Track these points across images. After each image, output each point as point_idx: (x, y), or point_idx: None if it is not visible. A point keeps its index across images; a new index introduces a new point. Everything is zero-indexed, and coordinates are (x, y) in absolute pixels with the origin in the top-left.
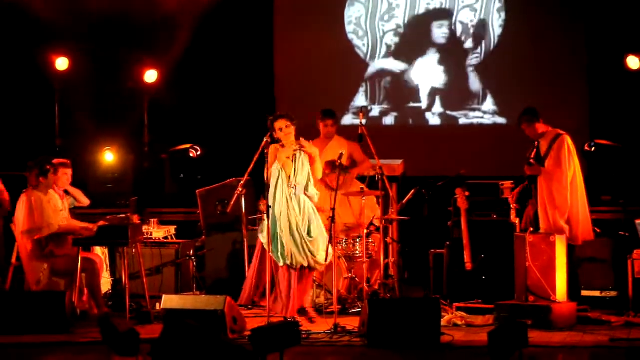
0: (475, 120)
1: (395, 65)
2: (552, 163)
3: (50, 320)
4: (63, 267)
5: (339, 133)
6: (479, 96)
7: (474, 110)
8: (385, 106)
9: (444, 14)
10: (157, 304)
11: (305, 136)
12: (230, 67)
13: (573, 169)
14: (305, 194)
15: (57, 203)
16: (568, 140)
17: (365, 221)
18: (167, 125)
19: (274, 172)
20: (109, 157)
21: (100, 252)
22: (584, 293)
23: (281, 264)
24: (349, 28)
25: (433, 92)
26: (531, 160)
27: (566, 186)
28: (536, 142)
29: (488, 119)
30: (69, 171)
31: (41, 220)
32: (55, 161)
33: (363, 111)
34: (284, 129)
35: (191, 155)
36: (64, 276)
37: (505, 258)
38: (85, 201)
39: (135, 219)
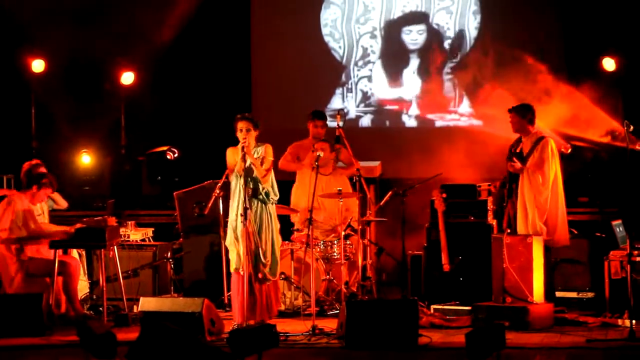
0: (451, 123)
1: (371, 67)
2: (534, 163)
3: (26, 323)
4: (40, 270)
5: None
6: (455, 99)
7: (450, 112)
8: (362, 108)
9: (420, 16)
10: (135, 307)
11: (283, 138)
12: (207, 69)
13: (554, 172)
14: (259, 199)
15: (36, 207)
16: (551, 143)
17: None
18: (144, 128)
19: (233, 179)
20: (85, 159)
21: (76, 255)
22: (561, 294)
23: (232, 269)
24: (325, 30)
25: (409, 95)
26: (514, 158)
27: (547, 187)
28: (519, 137)
29: (464, 122)
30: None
31: (10, 222)
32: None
33: (340, 113)
34: (244, 131)
35: (168, 157)
36: (40, 278)
37: (483, 260)
38: (63, 204)
39: (113, 221)
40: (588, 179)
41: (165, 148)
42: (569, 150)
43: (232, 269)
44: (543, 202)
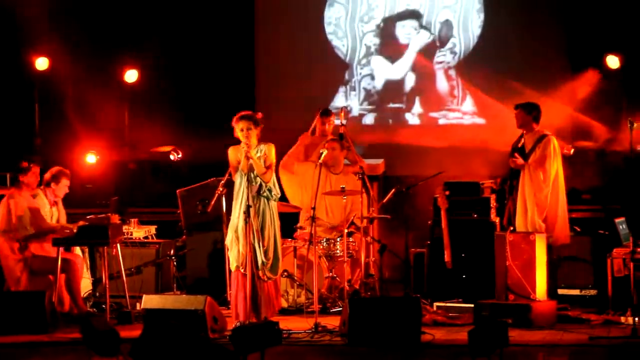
0: (454, 121)
1: (374, 65)
2: (536, 159)
3: (30, 321)
4: (43, 267)
5: None
6: (458, 97)
7: (453, 110)
8: (365, 106)
9: (423, 15)
10: (138, 304)
11: (284, 137)
12: (211, 67)
13: (556, 170)
14: (263, 196)
15: (44, 204)
16: (554, 141)
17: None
18: (148, 125)
19: (237, 177)
20: (90, 158)
21: (79, 252)
22: (564, 292)
23: (232, 267)
24: (328, 29)
25: (412, 93)
26: (515, 154)
27: (547, 185)
28: (522, 134)
29: (467, 120)
30: (69, 182)
31: (17, 223)
32: (57, 169)
33: (343, 111)
34: (245, 130)
35: (172, 157)
36: (43, 276)
37: (486, 257)
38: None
39: (116, 218)
40: (591, 177)
41: (169, 148)
42: (572, 151)
43: (232, 268)
44: (543, 199)
